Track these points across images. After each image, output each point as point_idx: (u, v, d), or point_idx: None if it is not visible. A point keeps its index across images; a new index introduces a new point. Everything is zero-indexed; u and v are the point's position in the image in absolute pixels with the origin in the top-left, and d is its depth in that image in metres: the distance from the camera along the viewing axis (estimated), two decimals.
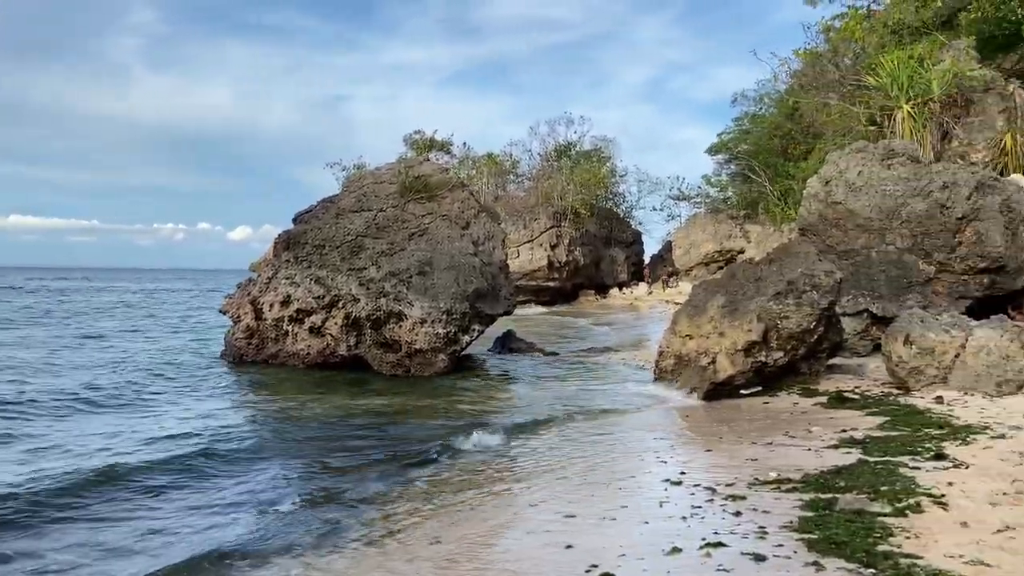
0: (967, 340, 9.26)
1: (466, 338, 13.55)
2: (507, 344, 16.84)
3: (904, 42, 20.93)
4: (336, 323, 13.33)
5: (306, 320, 13.49)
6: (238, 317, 14.06)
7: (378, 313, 13.13)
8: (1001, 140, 17.37)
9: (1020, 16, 18.09)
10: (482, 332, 14.17)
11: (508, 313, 15.24)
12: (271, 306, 13.64)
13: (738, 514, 5.13)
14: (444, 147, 40.11)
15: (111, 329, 21.71)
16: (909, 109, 17.75)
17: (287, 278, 13.76)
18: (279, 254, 14.44)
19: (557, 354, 16.46)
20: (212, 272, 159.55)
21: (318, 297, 13.38)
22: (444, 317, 13.03)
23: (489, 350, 16.63)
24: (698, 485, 5.92)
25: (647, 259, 47.63)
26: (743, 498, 5.49)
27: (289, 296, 13.52)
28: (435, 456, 7.29)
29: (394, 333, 13.11)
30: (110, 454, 7.23)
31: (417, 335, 12.93)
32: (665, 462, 6.91)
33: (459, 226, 14.96)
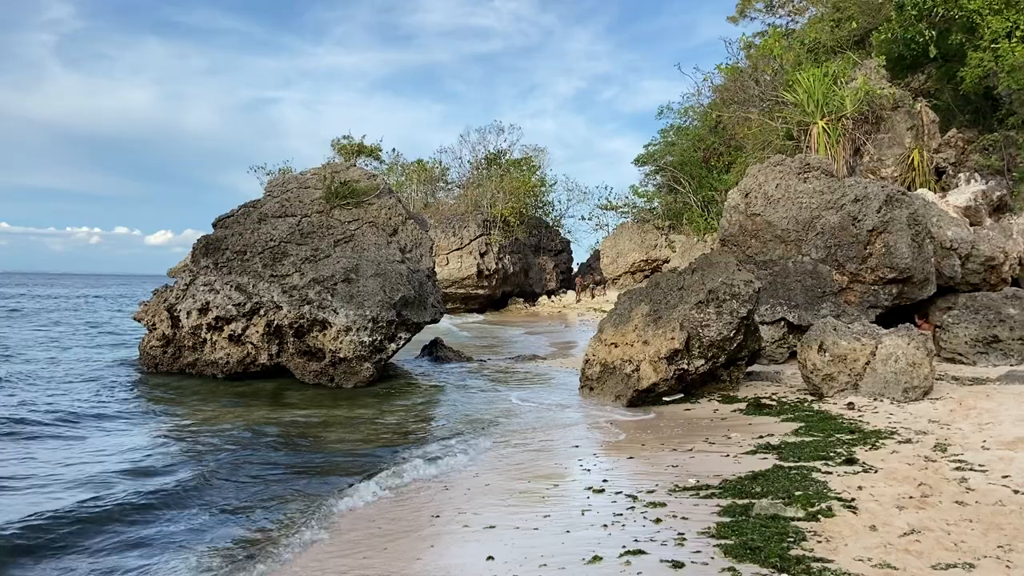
0: (877, 348, 9.62)
1: (392, 346, 13.36)
2: (434, 352, 16.72)
3: (820, 60, 21.81)
4: (257, 331, 12.98)
5: (225, 328, 13.09)
6: (153, 325, 13.54)
7: (301, 321, 12.84)
8: (909, 156, 18.24)
9: (927, 37, 19.05)
10: (409, 340, 14.00)
11: (435, 321, 15.11)
12: (188, 314, 13.19)
13: (658, 521, 5.19)
14: (372, 153, 39.78)
15: (17, 339, 20.61)
16: (824, 125, 18.46)
17: (206, 285, 13.34)
18: (198, 260, 13.98)
19: (484, 362, 16.43)
20: (130, 277, 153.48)
21: (238, 304, 13.01)
22: (370, 325, 12.83)
23: (416, 358, 16.49)
24: (620, 492, 5.97)
25: (576, 268, 48.20)
26: (663, 505, 5.56)
27: (208, 303, 13.10)
28: (355, 474, 7.07)
29: (318, 341, 12.84)
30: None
31: (341, 343, 12.69)
32: (588, 470, 6.94)
33: (386, 233, 14.79)
